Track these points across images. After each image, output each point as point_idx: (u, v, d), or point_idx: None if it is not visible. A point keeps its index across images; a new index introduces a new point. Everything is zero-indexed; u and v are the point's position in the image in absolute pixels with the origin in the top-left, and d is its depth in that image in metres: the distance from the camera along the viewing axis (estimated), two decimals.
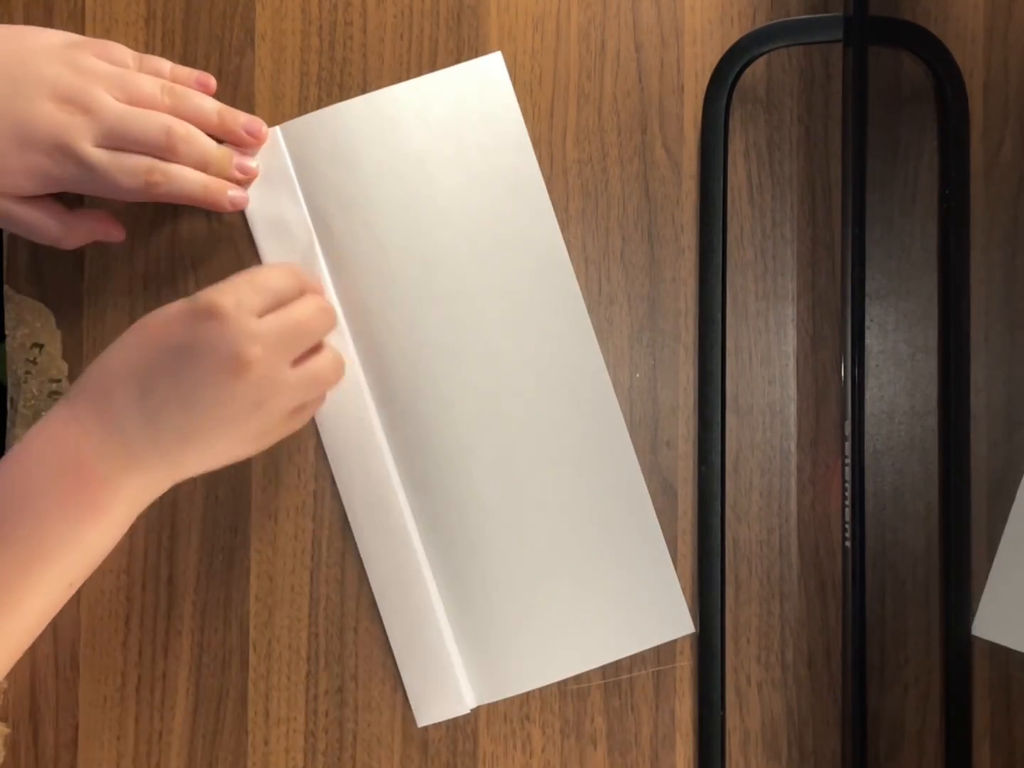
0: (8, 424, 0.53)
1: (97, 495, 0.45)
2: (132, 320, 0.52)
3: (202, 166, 0.50)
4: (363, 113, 0.52)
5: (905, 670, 0.52)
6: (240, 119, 0.51)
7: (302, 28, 0.53)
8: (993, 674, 0.52)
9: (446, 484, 0.52)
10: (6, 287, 0.53)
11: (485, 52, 0.53)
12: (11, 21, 0.53)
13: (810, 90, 0.53)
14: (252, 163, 0.52)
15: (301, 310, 0.47)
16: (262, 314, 0.46)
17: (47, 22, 0.53)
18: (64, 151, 0.47)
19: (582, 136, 0.53)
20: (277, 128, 0.52)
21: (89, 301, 0.53)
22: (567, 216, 0.53)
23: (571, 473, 0.52)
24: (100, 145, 0.48)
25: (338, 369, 0.50)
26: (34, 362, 0.53)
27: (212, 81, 0.52)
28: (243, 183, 0.52)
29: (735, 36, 0.52)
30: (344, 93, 0.53)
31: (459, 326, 0.52)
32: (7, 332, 0.53)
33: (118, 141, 0.48)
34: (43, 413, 0.53)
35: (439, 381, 0.52)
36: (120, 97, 0.48)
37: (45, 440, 0.45)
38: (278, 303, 0.47)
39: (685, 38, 0.53)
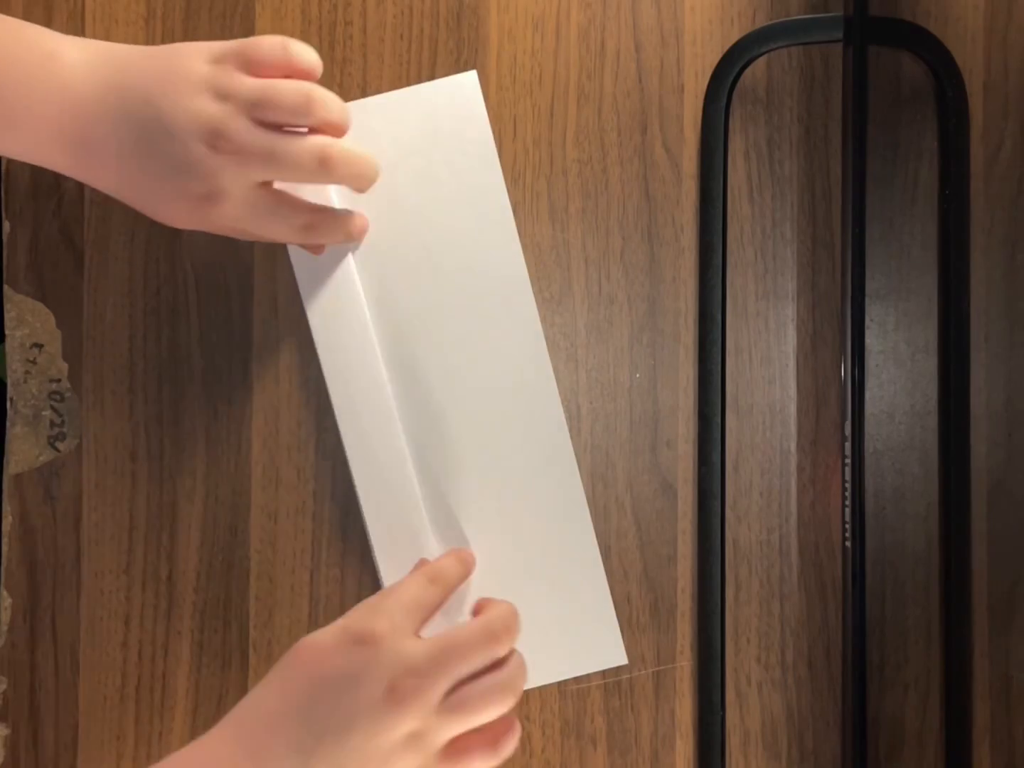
0: (8, 424, 0.53)
1: None
2: (132, 320, 0.53)
3: (357, 180, 0.49)
4: None
5: (905, 670, 0.52)
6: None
7: (302, 28, 0.53)
8: (993, 674, 0.52)
9: (393, 495, 0.52)
10: (6, 287, 0.53)
11: (485, 52, 0.53)
12: None
13: (810, 90, 0.53)
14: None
15: (460, 637, 0.46)
16: (416, 631, 0.46)
17: (47, 22, 0.53)
18: (222, 194, 0.46)
19: (582, 136, 0.53)
20: None
21: (89, 301, 0.53)
22: (567, 216, 0.53)
23: (515, 496, 0.52)
24: (254, 185, 0.47)
25: (486, 698, 0.46)
26: (34, 362, 0.53)
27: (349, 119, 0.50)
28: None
29: (735, 36, 0.52)
30: (344, 93, 0.53)
31: (414, 344, 0.52)
32: (7, 332, 0.53)
33: (271, 172, 0.47)
34: (43, 413, 0.53)
35: (393, 398, 0.52)
36: (261, 117, 0.46)
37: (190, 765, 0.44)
38: (425, 616, 0.47)
39: (685, 38, 0.53)
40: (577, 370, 0.53)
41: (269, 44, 0.47)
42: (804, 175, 0.53)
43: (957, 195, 0.51)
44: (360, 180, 0.49)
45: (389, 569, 0.52)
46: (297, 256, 0.52)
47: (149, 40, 0.53)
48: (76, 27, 0.53)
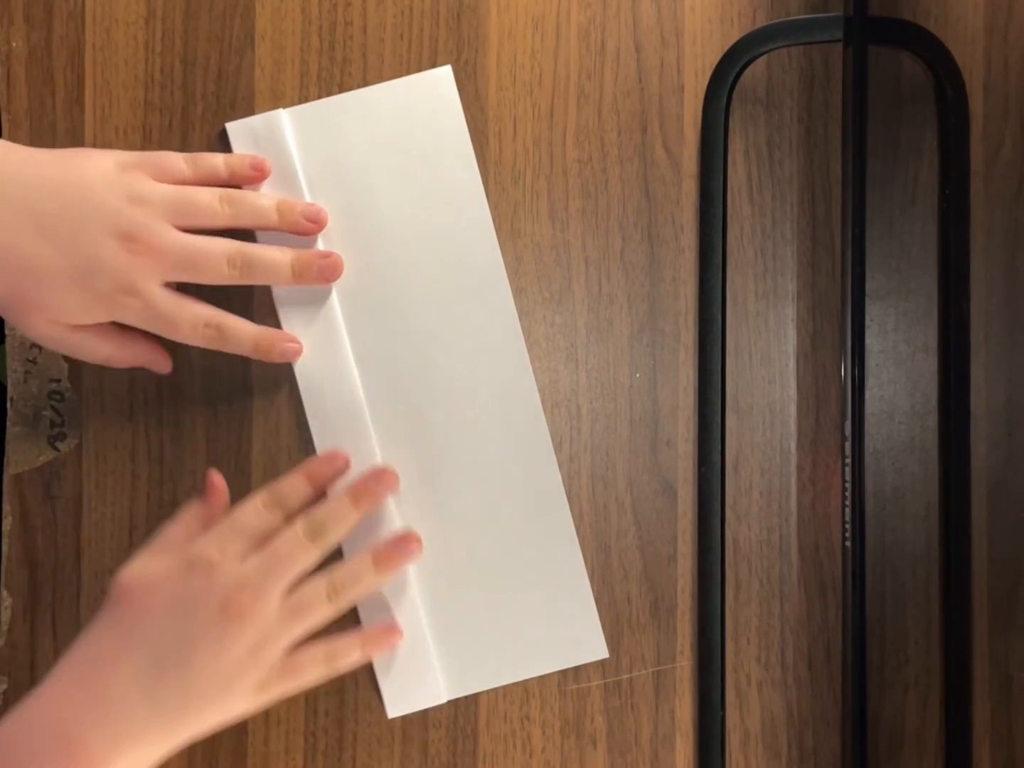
0: (8, 424, 0.53)
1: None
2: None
3: (272, 279, 0.50)
4: (309, 119, 0.52)
5: (905, 670, 0.52)
6: (297, 209, 0.51)
7: (302, 28, 0.53)
8: (993, 674, 0.52)
9: None
10: None
11: (485, 52, 0.53)
12: (11, 21, 0.53)
13: (810, 90, 0.53)
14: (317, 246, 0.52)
15: (283, 545, 0.48)
16: (245, 556, 0.47)
17: (47, 22, 0.53)
18: (129, 291, 0.47)
19: (582, 136, 0.53)
20: (228, 125, 0.52)
21: None
22: (567, 216, 0.53)
23: (493, 490, 0.52)
24: (165, 283, 0.48)
25: (320, 597, 0.48)
26: (34, 362, 0.53)
27: (267, 166, 0.51)
28: (334, 276, 0.52)
29: (735, 36, 0.52)
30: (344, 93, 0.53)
31: (392, 339, 0.52)
32: (7, 332, 0.53)
33: (183, 276, 0.48)
34: (43, 413, 0.53)
35: (369, 392, 0.52)
36: (180, 222, 0.48)
37: (33, 723, 0.44)
38: (258, 538, 0.48)
39: (685, 38, 0.53)
40: (577, 370, 0.53)
41: (174, 158, 0.49)
42: (804, 175, 0.53)
43: (957, 195, 0.51)
44: (276, 279, 0.50)
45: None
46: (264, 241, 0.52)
47: (149, 40, 0.53)
48: (76, 27, 0.53)
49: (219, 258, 0.48)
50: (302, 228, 0.51)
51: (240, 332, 0.50)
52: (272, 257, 0.50)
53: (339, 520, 0.49)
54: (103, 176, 0.47)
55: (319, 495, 0.51)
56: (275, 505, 0.49)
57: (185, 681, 0.45)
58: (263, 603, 0.47)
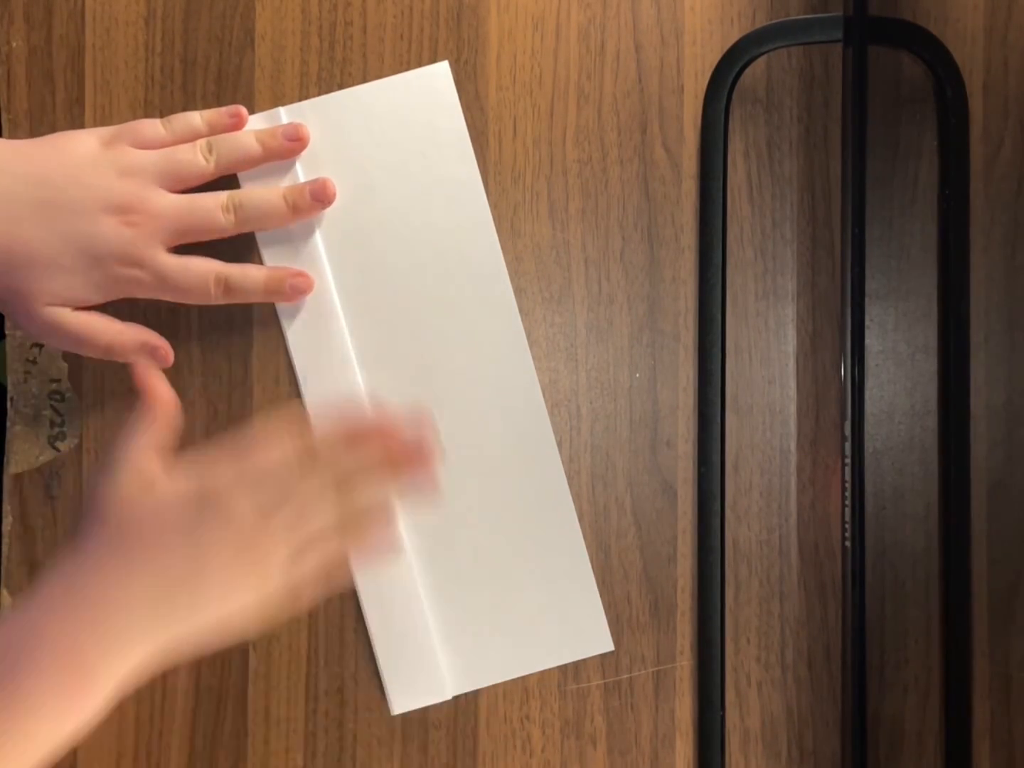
0: (8, 424, 0.53)
1: (87, 685, 0.43)
2: (132, 320, 0.52)
3: (269, 217, 0.50)
4: (307, 116, 0.52)
5: (905, 670, 0.52)
6: (278, 134, 0.51)
7: (302, 28, 0.53)
8: (993, 674, 0.52)
9: None
10: None
11: (485, 52, 0.53)
12: (11, 21, 0.53)
13: (810, 90, 0.53)
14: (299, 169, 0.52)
15: (304, 492, 0.46)
16: (265, 505, 0.45)
17: (47, 22, 0.53)
18: (135, 263, 0.48)
19: (582, 136, 0.53)
20: None
21: None
22: (567, 216, 0.53)
23: (498, 485, 0.53)
24: (168, 247, 0.49)
25: (326, 522, 0.46)
26: (34, 362, 0.53)
27: (243, 112, 0.51)
28: (325, 204, 0.52)
29: (735, 36, 0.52)
30: None
31: (393, 335, 0.53)
32: (7, 332, 0.53)
33: (185, 237, 0.49)
34: (43, 413, 0.53)
35: (371, 390, 0.52)
36: (170, 185, 0.49)
37: (30, 631, 0.43)
38: (283, 489, 0.46)
39: (685, 38, 0.53)
40: (577, 370, 0.53)
41: (151, 124, 0.50)
42: (804, 175, 0.53)
43: (957, 195, 0.51)
44: (273, 216, 0.50)
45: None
46: (267, 249, 0.52)
47: (149, 40, 0.53)
48: (76, 27, 0.53)
49: (213, 209, 0.49)
50: (287, 149, 0.51)
51: (250, 279, 0.50)
52: (263, 194, 0.50)
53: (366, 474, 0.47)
54: (88, 156, 0.48)
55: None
56: (308, 459, 0.46)
57: (191, 606, 0.44)
58: (275, 548, 0.45)
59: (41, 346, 0.53)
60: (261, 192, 0.51)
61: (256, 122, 0.52)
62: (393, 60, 0.53)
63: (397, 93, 0.53)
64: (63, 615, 0.44)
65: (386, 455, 0.48)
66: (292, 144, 0.51)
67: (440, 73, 0.53)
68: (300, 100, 0.53)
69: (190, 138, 0.50)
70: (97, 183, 0.47)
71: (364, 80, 0.53)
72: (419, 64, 0.53)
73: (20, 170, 0.47)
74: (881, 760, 0.52)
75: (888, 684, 0.52)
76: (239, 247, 0.53)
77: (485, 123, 0.53)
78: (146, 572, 0.44)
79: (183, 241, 0.49)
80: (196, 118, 0.51)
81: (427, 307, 0.53)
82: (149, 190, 0.48)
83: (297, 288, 0.51)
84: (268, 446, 0.46)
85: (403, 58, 0.53)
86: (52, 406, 0.53)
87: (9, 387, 0.53)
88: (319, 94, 0.53)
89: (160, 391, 0.47)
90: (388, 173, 0.53)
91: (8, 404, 0.53)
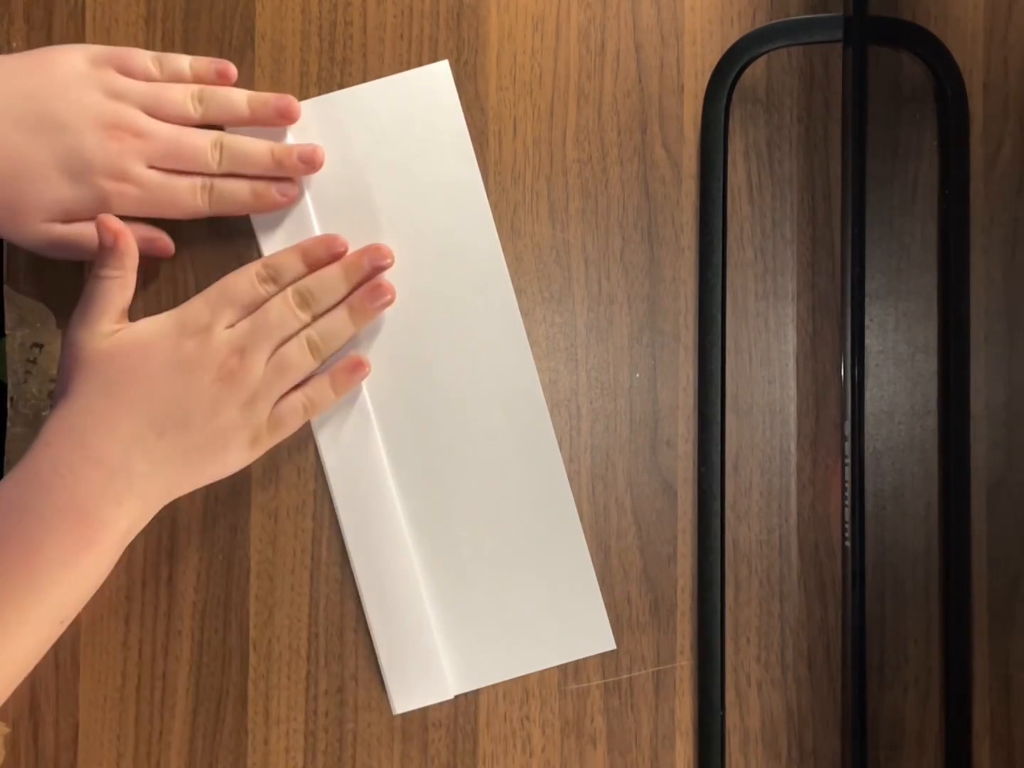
0: (8, 424, 0.53)
1: (95, 533, 0.46)
2: (132, 320, 0.52)
3: (253, 163, 0.50)
4: (307, 116, 0.52)
5: (905, 670, 0.52)
6: (270, 103, 0.51)
7: (302, 28, 0.53)
8: (993, 674, 0.52)
9: (373, 487, 0.52)
10: (6, 287, 0.53)
11: (485, 52, 0.53)
12: (11, 21, 0.53)
13: (810, 90, 0.53)
14: (309, 149, 0.52)
15: (272, 309, 0.49)
16: (235, 322, 0.49)
17: (47, 22, 0.53)
18: (121, 176, 0.48)
19: (582, 136, 0.53)
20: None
21: None
22: (567, 216, 0.53)
23: (499, 485, 0.53)
24: (153, 167, 0.49)
25: (303, 353, 0.50)
26: (34, 362, 0.53)
27: (231, 69, 0.52)
28: (310, 169, 0.52)
29: (735, 36, 0.52)
30: None
31: (393, 334, 0.53)
32: (7, 332, 0.53)
33: (170, 163, 0.49)
34: (43, 414, 0.53)
35: (372, 390, 0.52)
36: (155, 116, 0.49)
37: (32, 487, 0.45)
38: (250, 307, 0.49)
39: (685, 38, 0.53)
40: (577, 370, 0.53)
41: (140, 55, 0.50)
42: (804, 175, 0.53)
43: (957, 195, 0.51)
44: (256, 163, 0.50)
45: (360, 558, 0.52)
46: (267, 246, 0.52)
47: (150, 41, 0.53)
48: (76, 27, 0.53)
49: (203, 142, 0.50)
50: (273, 121, 0.51)
51: (236, 188, 0.50)
52: (251, 142, 0.51)
53: (329, 290, 0.50)
54: (76, 72, 0.48)
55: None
56: (268, 279, 0.50)
57: (184, 441, 0.47)
58: (252, 365, 0.48)
59: (41, 346, 0.53)
60: (249, 140, 0.51)
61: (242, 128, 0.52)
62: (393, 60, 0.53)
63: (397, 93, 0.53)
64: (63, 468, 0.46)
65: (340, 266, 0.51)
66: (279, 118, 0.51)
67: (440, 73, 0.53)
68: (300, 100, 0.53)
69: (175, 80, 0.51)
70: (84, 99, 0.48)
71: (364, 80, 0.53)
72: (419, 64, 0.53)
73: (4, 86, 0.47)
74: (881, 760, 0.52)
75: (888, 684, 0.52)
76: (239, 246, 0.53)
77: (485, 123, 0.53)
78: (135, 408, 0.47)
79: (166, 166, 0.49)
80: (185, 64, 0.51)
81: (427, 307, 0.53)
82: (136, 112, 0.49)
83: (284, 192, 0.51)
84: (232, 274, 0.50)
85: (403, 58, 0.53)
86: (52, 406, 0.53)
87: (9, 387, 0.53)
88: (319, 94, 0.53)
89: (113, 225, 0.48)
90: (388, 173, 0.53)
91: (8, 404, 0.53)
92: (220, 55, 0.53)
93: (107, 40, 0.53)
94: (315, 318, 0.50)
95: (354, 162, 0.53)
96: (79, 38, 0.53)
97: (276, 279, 0.50)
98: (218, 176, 0.50)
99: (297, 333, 0.50)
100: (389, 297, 0.51)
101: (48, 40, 0.53)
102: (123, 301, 0.49)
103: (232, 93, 0.51)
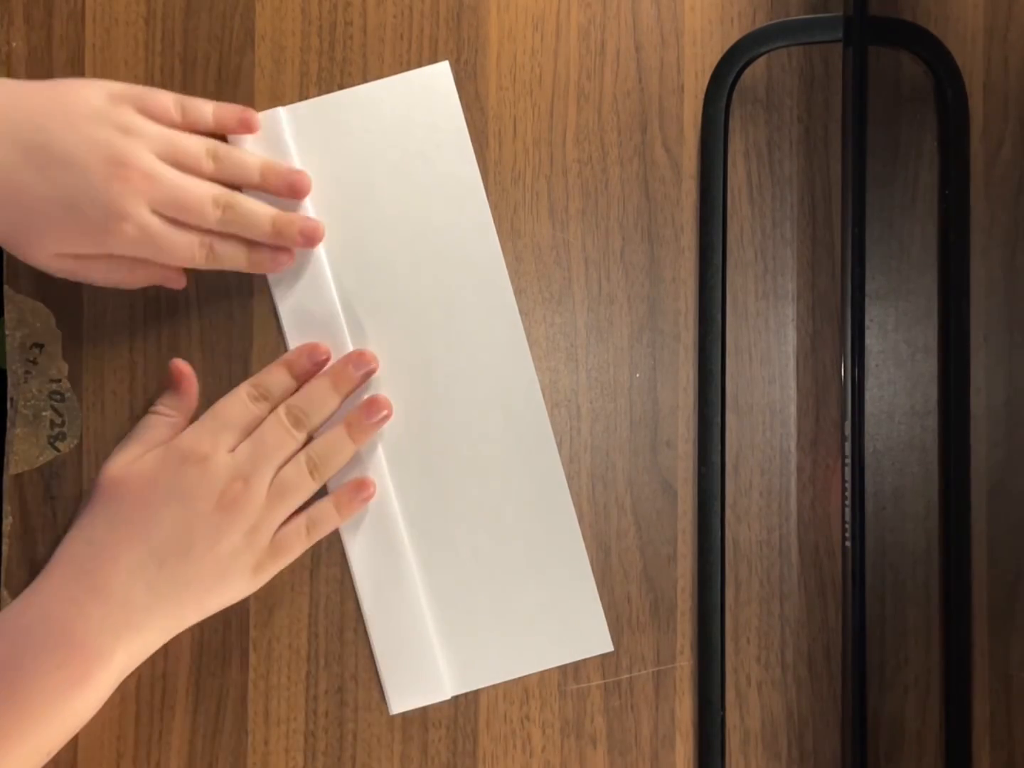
0: (8, 424, 0.53)
1: (90, 667, 0.46)
2: (132, 320, 0.52)
3: (252, 229, 0.50)
4: (307, 117, 0.53)
5: (905, 670, 0.52)
6: (281, 173, 0.51)
7: (302, 28, 0.53)
8: (993, 674, 0.52)
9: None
10: (6, 287, 0.53)
11: (485, 52, 0.53)
12: (11, 21, 0.53)
13: (810, 90, 0.53)
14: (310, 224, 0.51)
15: (268, 432, 0.49)
16: (235, 446, 0.49)
17: (47, 22, 0.53)
18: (121, 217, 0.47)
19: (582, 136, 0.53)
20: None
21: (89, 301, 0.53)
22: (567, 216, 0.53)
23: (498, 485, 0.53)
24: (155, 212, 0.48)
25: (303, 476, 0.50)
26: (34, 362, 0.53)
27: (254, 119, 0.51)
28: (309, 244, 0.51)
29: (735, 36, 0.52)
30: None
31: (392, 335, 0.52)
32: (7, 332, 0.53)
33: (172, 211, 0.48)
34: (43, 414, 0.53)
35: (372, 389, 0.52)
36: (166, 162, 0.48)
37: (33, 619, 0.46)
38: (248, 428, 0.50)
39: (685, 38, 0.53)
40: (577, 370, 0.53)
41: (163, 96, 0.50)
42: (804, 175, 0.53)
43: (957, 195, 0.51)
44: (255, 229, 0.50)
45: (358, 558, 0.52)
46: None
47: (149, 40, 0.53)
48: (76, 27, 0.53)
49: (206, 197, 0.49)
50: (283, 190, 0.51)
51: (234, 254, 0.50)
52: (255, 207, 0.50)
53: (320, 406, 0.50)
54: (93, 107, 0.48)
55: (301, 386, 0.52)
56: (260, 397, 0.50)
57: (186, 571, 0.47)
58: (254, 490, 0.48)
59: (42, 346, 0.53)
60: (255, 203, 0.50)
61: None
62: (393, 60, 0.53)
63: (397, 93, 0.53)
64: (65, 599, 0.46)
65: (327, 378, 0.51)
66: (289, 191, 0.51)
67: (440, 73, 0.53)
68: (300, 100, 0.53)
69: (195, 126, 0.50)
70: (97, 135, 0.47)
71: (364, 80, 0.53)
72: (419, 64, 0.53)
73: (20, 113, 0.47)
74: (881, 760, 0.52)
75: (888, 684, 0.52)
76: None
77: (485, 123, 0.53)
78: (137, 538, 0.47)
79: (167, 213, 0.48)
80: (208, 110, 0.51)
81: (427, 307, 0.53)
82: (146, 153, 0.48)
83: (280, 263, 0.51)
84: (223, 399, 0.50)
85: (403, 58, 0.53)
86: (52, 406, 0.53)
87: (9, 387, 0.53)
88: (319, 94, 0.53)
89: (185, 370, 0.51)
90: (388, 173, 0.53)
91: (8, 404, 0.53)
92: (220, 55, 0.53)
93: (106, 41, 0.53)
94: (311, 433, 0.50)
95: (354, 162, 0.53)
96: (79, 38, 0.53)
97: (267, 396, 0.50)
98: (217, 235, 0.49)
99: (296, 454, 0.50)
100: (386, 412, 0.51)
101: (48, 40, 0.53)
102: (164, 440, 0.50)
103: (247, 158, 0.50)
